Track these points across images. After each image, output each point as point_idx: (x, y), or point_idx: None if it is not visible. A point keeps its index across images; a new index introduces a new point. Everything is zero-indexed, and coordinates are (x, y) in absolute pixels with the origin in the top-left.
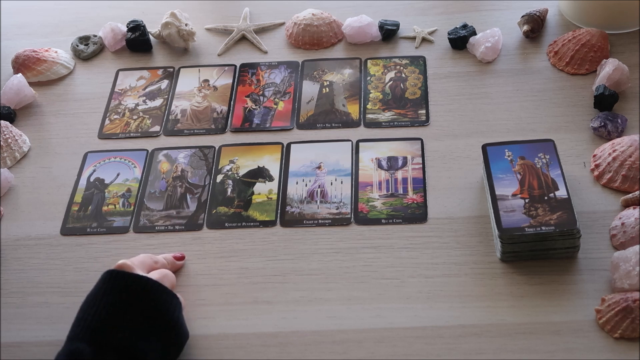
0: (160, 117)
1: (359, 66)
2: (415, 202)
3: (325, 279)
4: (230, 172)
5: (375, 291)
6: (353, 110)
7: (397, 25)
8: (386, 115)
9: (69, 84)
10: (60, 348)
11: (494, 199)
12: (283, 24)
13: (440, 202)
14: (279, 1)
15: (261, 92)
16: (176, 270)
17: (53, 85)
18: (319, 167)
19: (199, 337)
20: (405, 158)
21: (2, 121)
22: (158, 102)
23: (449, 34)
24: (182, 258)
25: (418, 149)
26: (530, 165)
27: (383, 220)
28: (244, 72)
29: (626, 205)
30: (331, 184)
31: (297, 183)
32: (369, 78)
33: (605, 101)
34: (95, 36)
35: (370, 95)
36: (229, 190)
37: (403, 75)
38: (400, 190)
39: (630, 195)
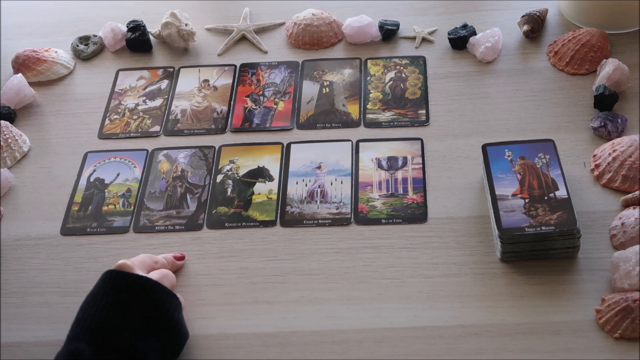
0: (160, 117)
1: (359, 66)
2: (415, 202)
3: (325, 279)
4: (230, 172)
5: (375, 291)
6: (353, 110)
7: (397, 25)
8: (386, 115)
9: (69, 84)
10: (60, 348)
11: (494, 199)
12: (283, 24)
13: (440, 202)
14: (279, 1)
15: (261, 92)
16: (176, 270)
17: (53, 85)
18: (319, 167)
19: (199, 337)
20: (405, 158)
21: (2, 121)
22: (158, 102)
23: (449, 34)
24: (182, 258)
25: (418, 149)
26: (530, 165)
27: (383, 220)
28: (244, 72)
29: (626, 205)
30: (331, 184)
31: (297, 183)
32: (369, 78)
33: (605, 101)
34: (95, 36)
35: (370, 95)
36: (229, 190)
37: (403, 75)
38: (400, 190)
39: (630, 195)
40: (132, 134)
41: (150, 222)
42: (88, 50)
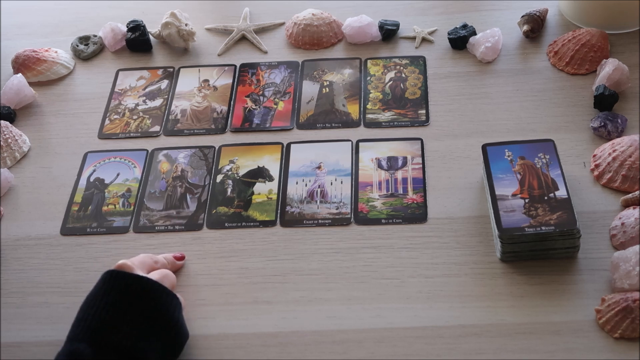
0: (160, 117)
1: (359, 66)
2: (415, 202)
3: (325, 279)
4: (230, 172)
5: (375, 291)
6: (353, 110)
7: (397, 25)
8: (386, 115)
9: (69, 84)
10: (60, 348)
11: (494, 199)
12: (283, 24)
13: (440, 202)
14: (279, 1)
15: (261, 92)
16: (176, 270)
17: (53, 85)
18: (319, 167)
19: (199, 337)
20: (405, 158)
21: (2, 121)
22: (158, 102)
23: (449, 34)
24: (182, 258)
25: (418, 149)
26: (530, 165)
27: (383, 220)
28: (244, 72)
29: (626, 205)
30: (331, 184)
31: (297, 183)
32: (369, 78)
33: (605, 101)
34: (95, 36)
35: (370, 95)
36: (229, 190)
37: (403, 75)
38: (400, 190)
39: (630, 195)
40: (132, 134)
41: (150, 222)
42: (88, 50)
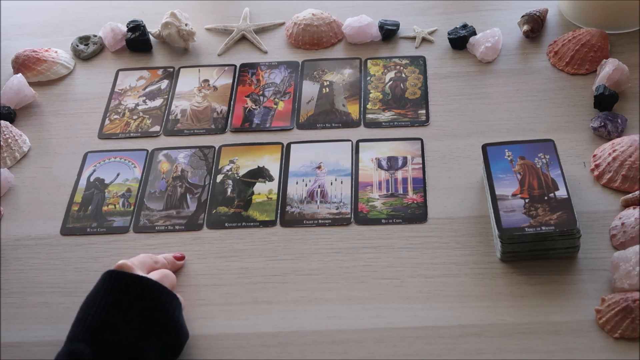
0: (160, 117)
1: (359, 66)
2: (415, 202)
3: (325, 279)
4: (230, 172)
5: (375, 291)
6: (353, 110)
7: (397, 25)
8: (386, 115)
9: (69, 84)
10: (60, 348)
11: (494, 199)
12: (283, 24)
13: (440, 202)
14: (279, 1)
15: (261, 92)
16: (176, 270)
17: (53, 85)
18: (319, 167)
19: (199, 337)
20: (405, 158)
21: (2, 121)
22: (158, 102)
23: (449, 34)
24: (182, 258)
25: (418, 149)
26: (530, 165)
27: (383, 220)
28: (244, 72)
29: (626, 205)
30: (331, 184)
31: (297, 183)
32: (369, 78)
33: (605, 101)
34: (95, 36)
35: (370, 95)
36: (229, 190)
37: (403, 75)
38: (400, 190)
39: (630, 195)
40: (132, 134)
41: (150, 222)
42: (88, 50)
